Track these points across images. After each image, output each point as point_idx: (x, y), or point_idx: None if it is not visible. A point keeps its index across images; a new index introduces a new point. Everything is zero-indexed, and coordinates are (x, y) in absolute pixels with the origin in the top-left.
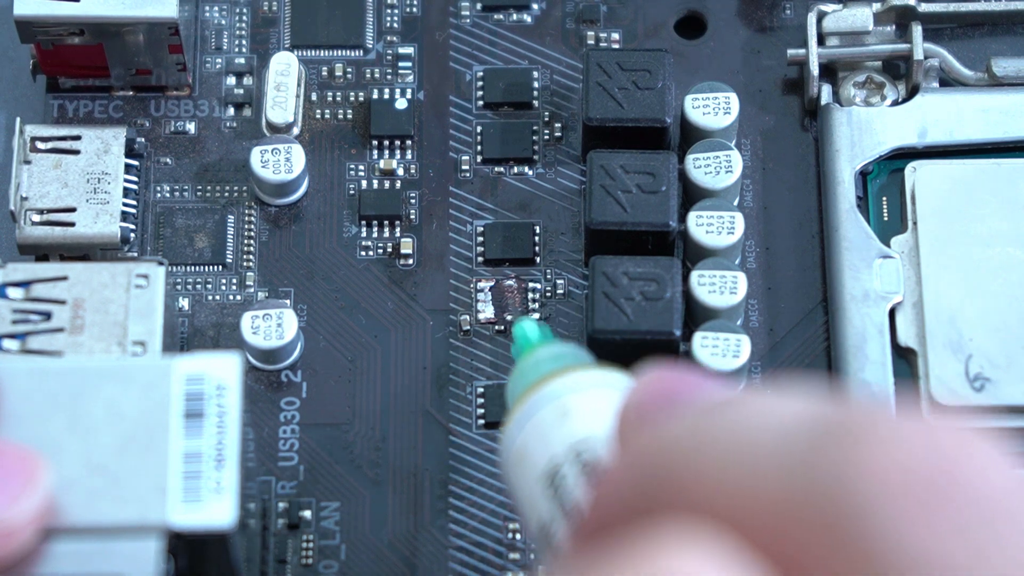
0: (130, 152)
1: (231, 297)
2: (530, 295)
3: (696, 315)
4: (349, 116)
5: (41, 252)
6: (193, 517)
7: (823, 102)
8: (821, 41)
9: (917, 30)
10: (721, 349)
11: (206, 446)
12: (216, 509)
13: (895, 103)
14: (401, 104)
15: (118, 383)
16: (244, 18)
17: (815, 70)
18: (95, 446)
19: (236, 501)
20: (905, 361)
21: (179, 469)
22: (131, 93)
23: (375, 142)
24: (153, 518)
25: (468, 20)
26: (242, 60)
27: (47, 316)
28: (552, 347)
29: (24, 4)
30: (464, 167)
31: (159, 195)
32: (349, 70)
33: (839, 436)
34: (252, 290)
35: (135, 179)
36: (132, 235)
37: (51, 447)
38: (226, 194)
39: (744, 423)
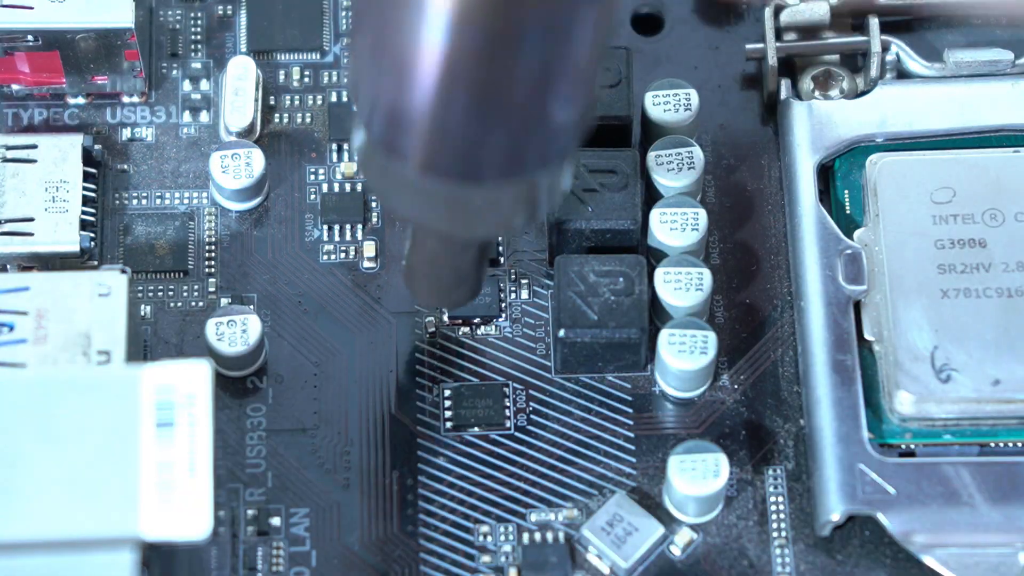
0: (88, 160)
1: (193, 304)
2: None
3: (662, 312)
4: (308, 120)
5: (0, 264)
6: (167, 528)
7: (782, 96)
8: (778, 35)
9: (874, 23)
10: (688, 346)
11: (178, 455)
12: (190, 519)
13: (854, 96)
14: None
15: (87, 394)
16: (199, 22)
17: (773, 63)
18: (66, 458)
19: (211, 510)
20: (871, 353)
21: (152, 479)
22: (87, 100)
23: (335, 145)
24: (127, 530)
25: None
26: (199, 65)
27: (9, 328)
28: None
29: None
30: None
31: (118, 203)
32: (307, 73)
33: None
34: (215, 296)
35: (94, 187)
36: (92, 244)
37: (21, 460)
38: (186, 200)
39: None
